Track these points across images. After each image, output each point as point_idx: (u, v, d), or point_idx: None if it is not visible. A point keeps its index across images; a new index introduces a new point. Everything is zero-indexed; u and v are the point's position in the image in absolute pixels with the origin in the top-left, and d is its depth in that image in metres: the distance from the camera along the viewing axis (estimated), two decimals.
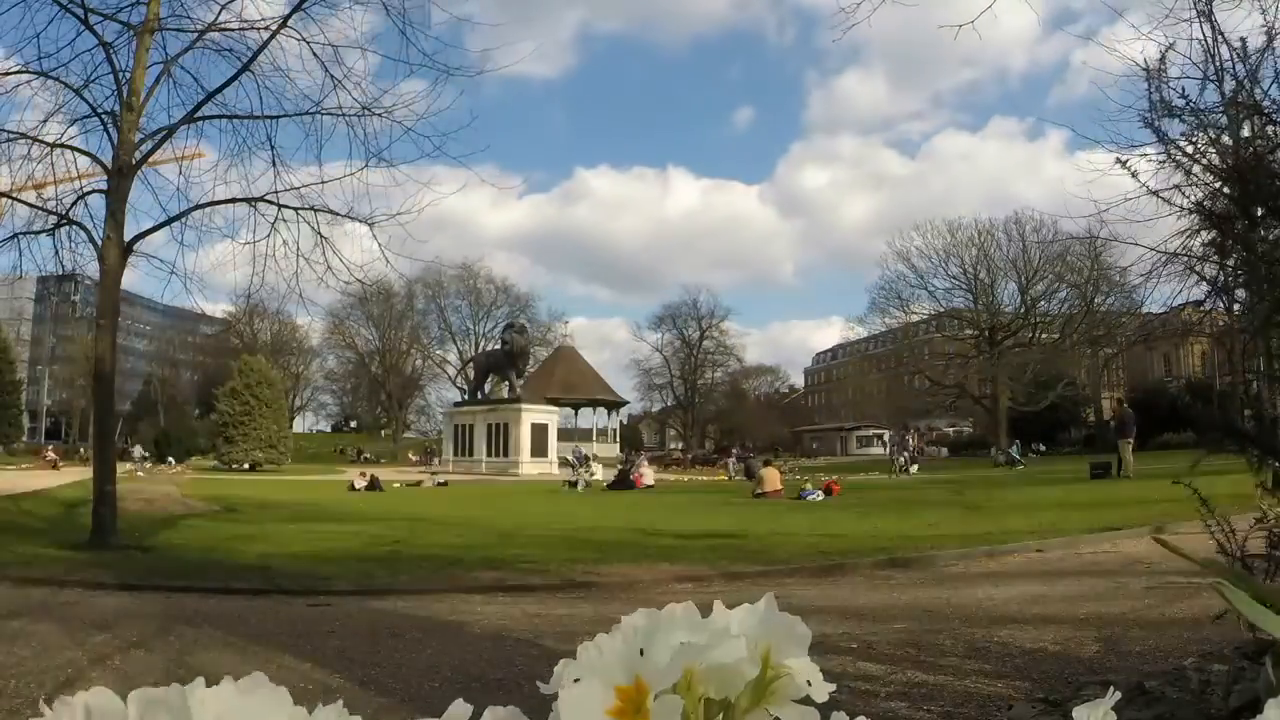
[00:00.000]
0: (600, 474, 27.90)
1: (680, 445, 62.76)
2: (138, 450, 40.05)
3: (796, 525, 9.30)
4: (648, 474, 24.14)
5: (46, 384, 63.98)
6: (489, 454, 37.22)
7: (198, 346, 67.66)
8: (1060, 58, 79.08)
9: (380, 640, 3.87)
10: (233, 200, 9.26)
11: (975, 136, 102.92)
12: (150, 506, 13.09)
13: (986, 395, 45.45)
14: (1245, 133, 2.22)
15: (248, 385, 39.49)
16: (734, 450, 41.17)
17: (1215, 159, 2.13)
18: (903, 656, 2.86)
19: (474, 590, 5.40)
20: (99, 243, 8.44)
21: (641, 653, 0.32)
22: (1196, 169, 2.14)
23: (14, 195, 9.00)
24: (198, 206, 9.24)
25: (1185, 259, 2.97)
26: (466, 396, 43.64)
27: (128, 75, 8.58)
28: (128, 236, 8.59)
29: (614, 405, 56.14)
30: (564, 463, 32.39)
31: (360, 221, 9.23)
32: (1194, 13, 2.37)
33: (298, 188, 9.16)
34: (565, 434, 45.61)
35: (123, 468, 14.81)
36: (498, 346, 41.70)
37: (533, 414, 37.29)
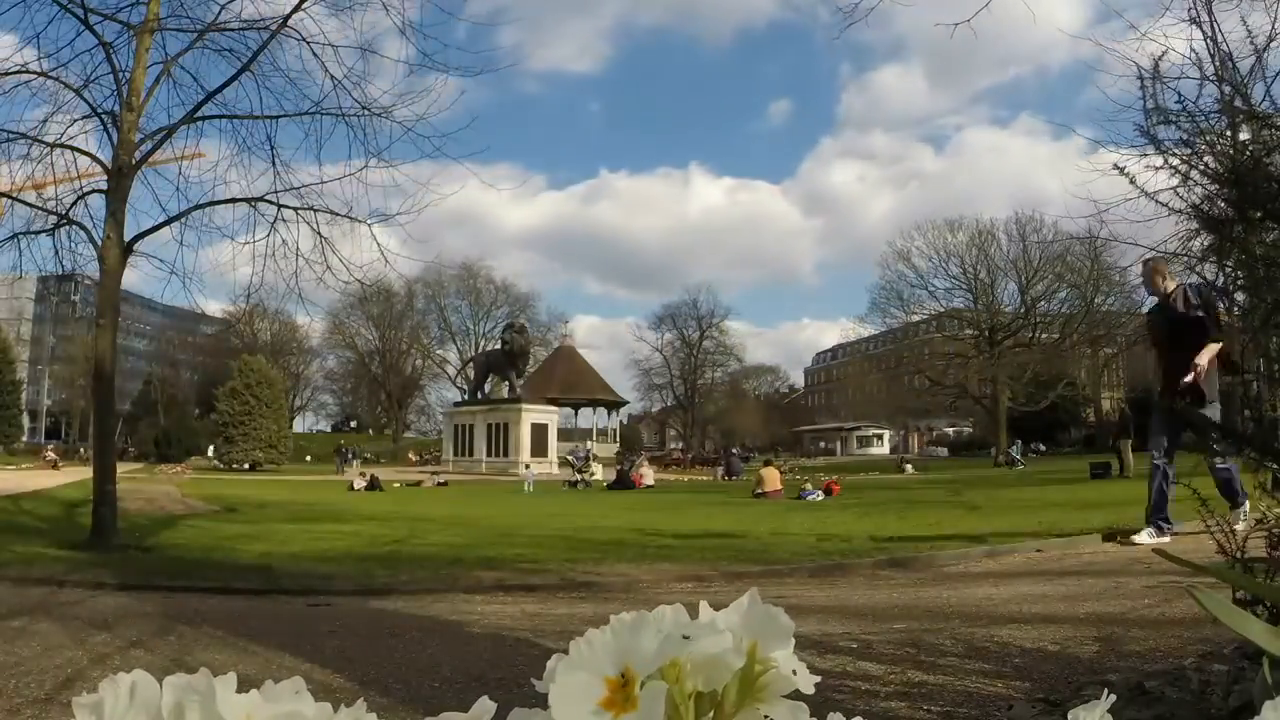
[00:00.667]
0: (600, 473, 27.93)
1: (680, 445, 62.80)
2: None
3: (796, 525, 9.29)
4: (647, 474, 24.18)
5: (46, 384, 64.06)
6: (489, 454, 37.25)
7: (198, 346, 67.70)
8: (1095, 56, 78.51)
9: (380, 640, 3.87)
10: (233, 200, 9.28)
11: (1005, 131, 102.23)
12: (150, 506, 13.11)
13: (986, 395, 45.48)
14: (1244, 135, 2.23)
15: (248, 385, 39.55)
16: (734, 450, 41.20)
17: (1212, 162, 2.14)
18: (902, 656, 2.86)
19: (474, 590, 5.40)
20: (99, 243, 8.44)
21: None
22: (1194, 173, 2.14)
23: (14, 195, 9.01)
24: (198, 206, 9.24)
25: (1185, 259, 2.97)
26: (466, 396, 43.67)
27: (128, 75, 8.59)
28: (128, 236, 8.59)
29: (614, 405, 56.21)
30: (564, 463, 32.42)
31: (370, 221, 9.26)
32: (1192, 13, 2.38)
33: (297, 188, 9.19)
34: (565, 434, 45.67)
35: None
36: (498, 346, 41.75)
37: (533, 414, 37.34)
